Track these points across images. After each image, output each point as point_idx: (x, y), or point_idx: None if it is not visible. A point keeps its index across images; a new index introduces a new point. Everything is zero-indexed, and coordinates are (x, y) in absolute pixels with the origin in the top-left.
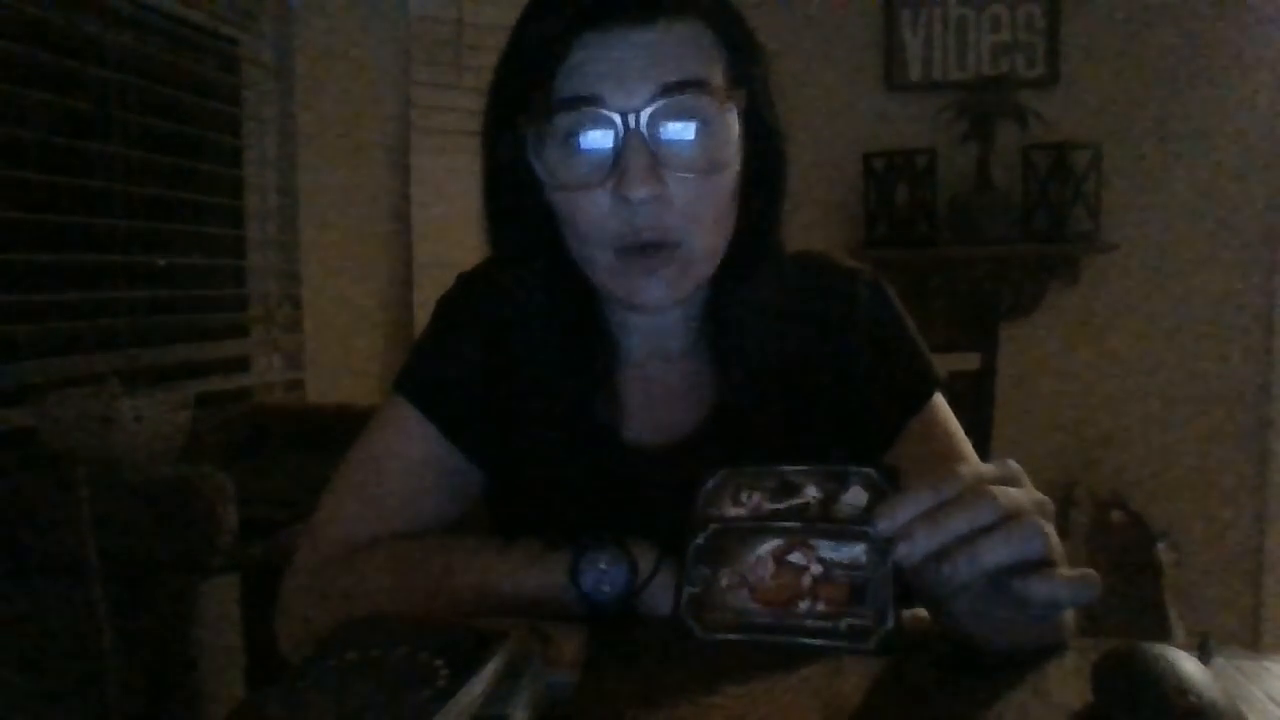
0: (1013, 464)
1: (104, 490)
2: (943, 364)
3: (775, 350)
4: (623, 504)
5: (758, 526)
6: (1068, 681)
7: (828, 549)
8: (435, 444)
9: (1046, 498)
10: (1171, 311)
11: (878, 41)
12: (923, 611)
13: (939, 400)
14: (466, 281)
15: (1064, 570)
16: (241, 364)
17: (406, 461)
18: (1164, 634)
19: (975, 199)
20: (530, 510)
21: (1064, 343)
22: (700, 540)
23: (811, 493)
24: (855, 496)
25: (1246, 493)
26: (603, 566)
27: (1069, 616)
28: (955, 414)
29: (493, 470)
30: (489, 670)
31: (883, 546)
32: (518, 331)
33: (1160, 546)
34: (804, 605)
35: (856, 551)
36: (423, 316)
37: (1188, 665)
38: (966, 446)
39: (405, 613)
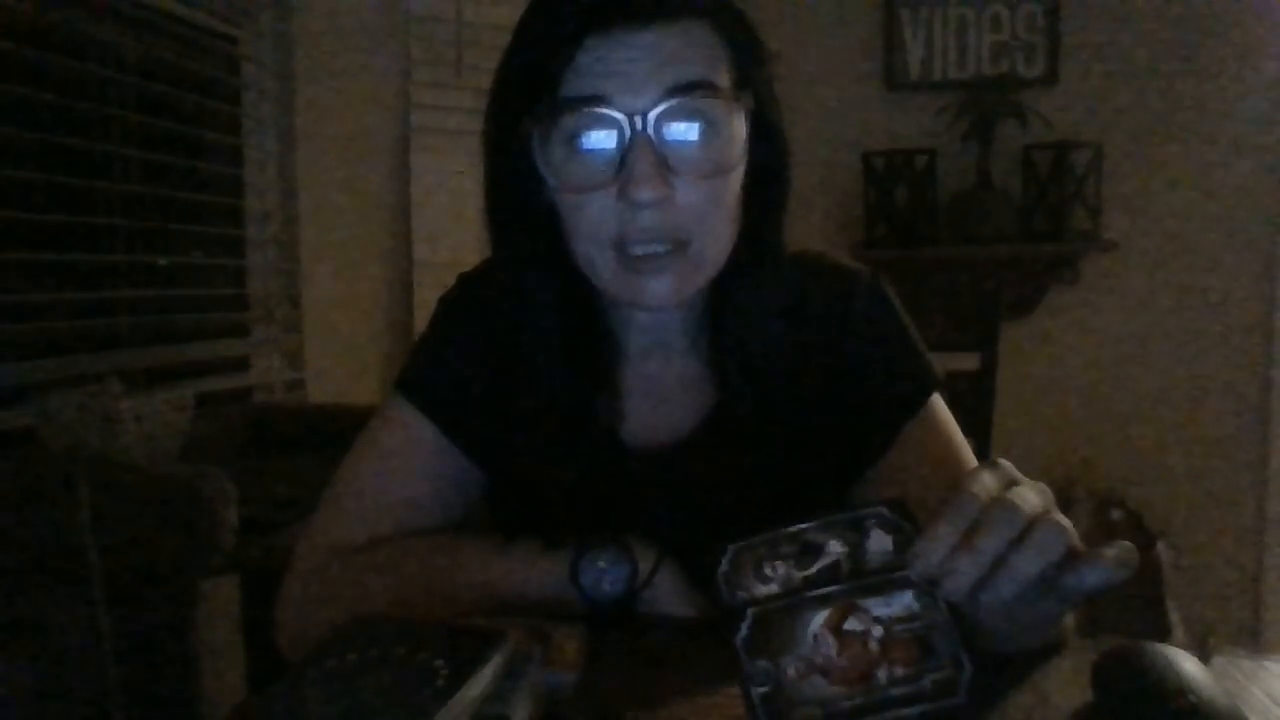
0: (1004, 463)
1: (104, 490)
2: (943, 364)
3: (775, 350)
4: (623, 504)
5: (800, 600)
6: (1068, 681)
7: (879, 606)
8: (435, 444)
9: (1044, 485)
10: (1171, 311)
11: (878, 41)
12: None
13: (937, 401)
14: (466, 281)
15: (1104, 551)
16: (241, 364)
17: (407, 462)
18: (1164, 634)
19: (975, 199)
20: (530, 510)
21: (1064, 343)
22: (744, 632)
23: (835, 549)
24: (879, 542)
25: (1246, 493)
26: (603, 566)
27: (1069, 617)
28: (955, 414)
29: (493, 470)
30: (489, 670)
31: (929, 588)
32: (518, 331)
33: (1160, 546)
34: (882, 674)
35: (907, 601)
36: (423, 316)
37: (1188, 665)
38: (964, 448)
39: (405, 613)
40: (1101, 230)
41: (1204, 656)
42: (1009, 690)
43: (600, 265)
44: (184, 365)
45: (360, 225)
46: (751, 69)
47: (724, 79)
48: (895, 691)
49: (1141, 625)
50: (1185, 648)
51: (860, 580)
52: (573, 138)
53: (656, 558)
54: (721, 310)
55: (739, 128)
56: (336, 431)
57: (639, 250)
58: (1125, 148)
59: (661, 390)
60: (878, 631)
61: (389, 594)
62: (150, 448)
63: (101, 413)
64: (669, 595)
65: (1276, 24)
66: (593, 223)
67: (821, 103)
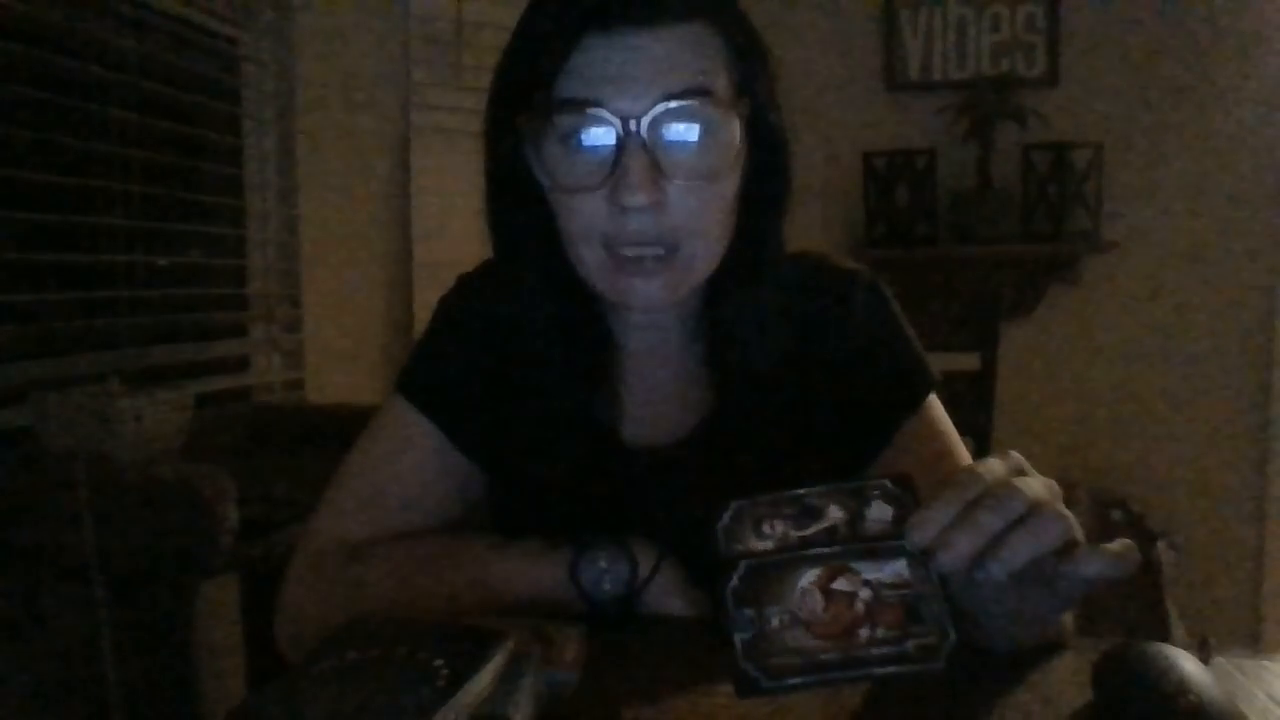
0: (1015, 454)
1: (104, 490)
2: (943, 364)
3: (773, 351)
4: (622, 503)
5: (793, 558)
6: (1068, 681)
7: (870, 570)
8: (435, 444)
9: (1053, 481)
10: (1171, 311)
11: (878, 41)
12: None
13: (934, 402)
14: (466, 282)
15: (1105, 545)
16: (241, 364)
17: (407, 461)
18: (1164, 634)
19: (975, 199)
20: (530, 510)
21: (1064, 343)
22: (735, 582)
23: (835, 514)
24: (879, 511)
25: (1246, 493)
26: (603, 565)
27: (1068, 617)
28: (955, 414)
29: (493, 470)
30: (489, 670)
31: (922, 559)
32: (518, 331)
33: (1160, 546)
34: (864, 633)
35: (899, 568)
36: (423, 316)
37: (1188, 665)
38: (961, 448)
39: (405, 613)
40: (1101, 230)
41: (1204, 656)
42: (1009, 690)
43: (591, 264)
44: (184, 365)
45: (360, 225)
46: (752, 72)
47: (723, 83)
48: (875, 651)
49: (1141, 625)
50: (1185, 648)
51: (855, 545)
52: (566, 138)
53: (656, 558)
54: (720, 311)
55: (735, 133)
56: (336, 431)
57: (629, 252)
58: (1125, 148)
59: (661, 390)
60: (865, 593)
61: (389, 593)
62: (150, 448)
63: (101, 413)
64: (669, 595)
65: (1277, 24)
66: (584, 223)
67: (821, 103)
